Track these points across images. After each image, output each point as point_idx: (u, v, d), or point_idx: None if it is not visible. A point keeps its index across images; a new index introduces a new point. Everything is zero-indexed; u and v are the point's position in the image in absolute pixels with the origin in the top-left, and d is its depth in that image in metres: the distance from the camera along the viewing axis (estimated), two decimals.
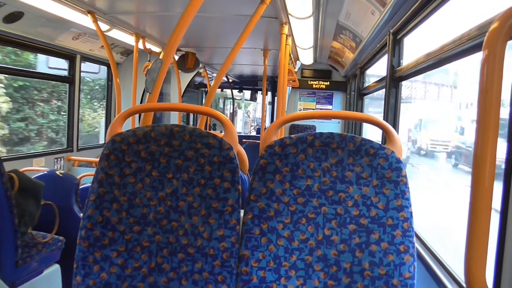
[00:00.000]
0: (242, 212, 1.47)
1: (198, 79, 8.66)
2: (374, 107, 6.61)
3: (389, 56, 3.13)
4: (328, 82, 7.74)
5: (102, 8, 3.43)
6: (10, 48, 4.31)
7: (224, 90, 12.60)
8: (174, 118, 7.01)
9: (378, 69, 4.61)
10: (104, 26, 3.87)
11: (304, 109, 7.93)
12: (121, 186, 1.46)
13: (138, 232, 1.45)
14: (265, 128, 5.75)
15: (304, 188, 1.44)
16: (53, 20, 3.71)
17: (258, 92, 11.74)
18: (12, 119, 4.95)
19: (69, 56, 4.68)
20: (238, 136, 1.58)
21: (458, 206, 4.72)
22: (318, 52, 6.20)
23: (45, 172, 2.92)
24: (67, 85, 4.81)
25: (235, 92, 11.62)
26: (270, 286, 1.40)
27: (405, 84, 3.23)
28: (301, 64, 7.31)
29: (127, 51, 5.64)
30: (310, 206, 1.43)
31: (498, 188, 1.10)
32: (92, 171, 3.66)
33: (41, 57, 5.01)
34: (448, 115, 8.03)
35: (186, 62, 5.54)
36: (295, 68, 6.68)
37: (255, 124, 16.87)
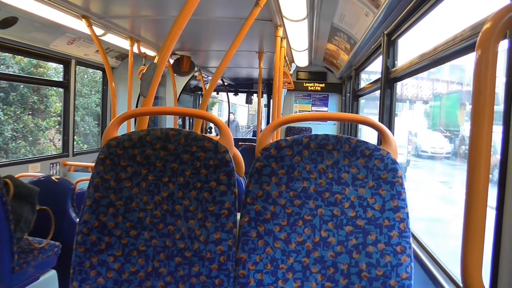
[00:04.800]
0: (238, 215, 1.47)
1: (193, 82, 8.66)
2: (370, 108, 6.61)
3: (383, 58, 3.14)
4: (324, 84, 7.74)
5: (96, 12, 3.42)
6: None
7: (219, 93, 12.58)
8: (170, 122, 7.00)
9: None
10: (98, 31, 3.86)
11: (299, 111, 7.93)
12: (117, 191, 1.46)
13: (135, 236, 1.44)
14: (261, 131, 5.75)
15: (300, 190, 1.44)
16: (48, 25, 3.70)
17: (254, 94, 11.75)
18: None
19: (64, 61, 4.67)
20: (234, 139, 1.58)
21: None
22: (313, 54, 6.20)
23: (41, 177, 2.90)
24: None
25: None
26: None
27: None
28: (296, 66, 7.32)
29: (122, 56, 5.63)
30: (307, 208, 1.43)
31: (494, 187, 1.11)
32: (88, 175, 3.64)
33: None
34: None
35: (181, 65, 5.54)
36: (290, 70, 6.68)
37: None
